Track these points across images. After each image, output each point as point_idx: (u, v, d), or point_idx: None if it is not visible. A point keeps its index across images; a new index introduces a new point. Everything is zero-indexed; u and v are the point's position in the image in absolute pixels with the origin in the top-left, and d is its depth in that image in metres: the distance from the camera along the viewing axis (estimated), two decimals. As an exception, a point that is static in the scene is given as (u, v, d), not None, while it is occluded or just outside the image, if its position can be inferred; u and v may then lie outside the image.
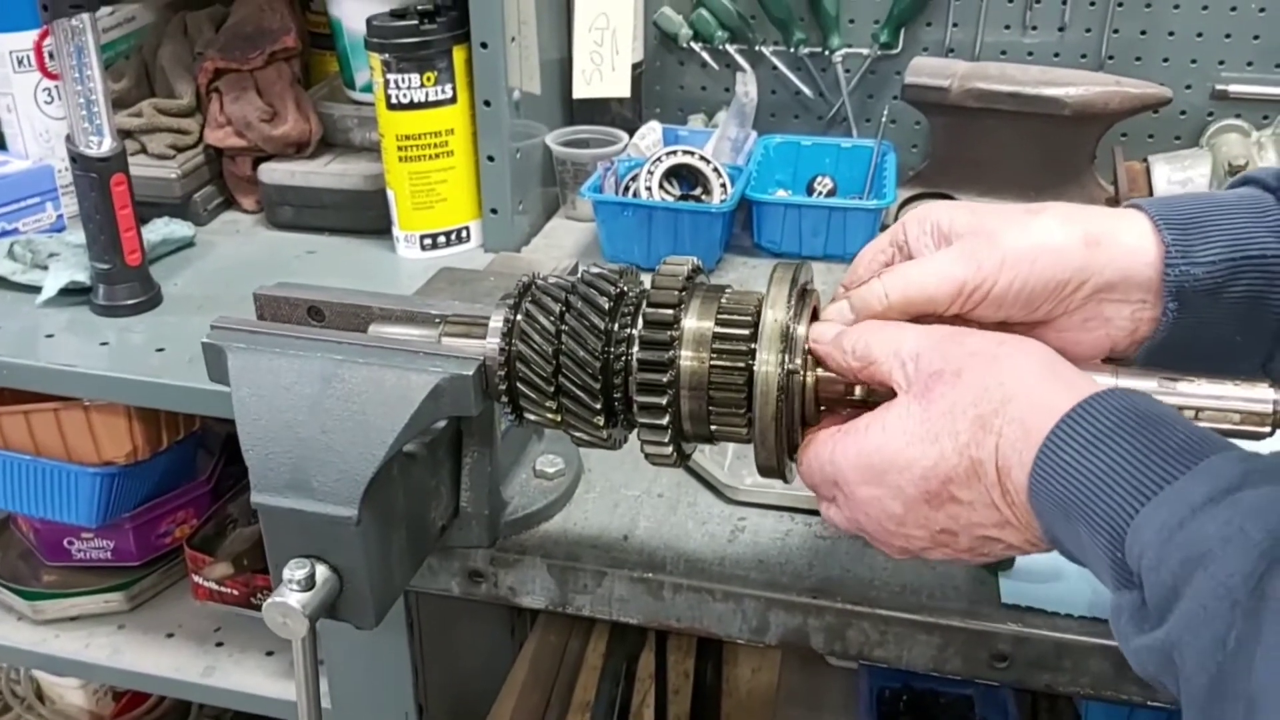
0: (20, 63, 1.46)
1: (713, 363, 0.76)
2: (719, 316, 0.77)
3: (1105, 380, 0.73)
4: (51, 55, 1.42)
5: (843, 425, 0.73)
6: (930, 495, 0.68)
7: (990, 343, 0.70)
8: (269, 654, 1.45)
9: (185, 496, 1.52)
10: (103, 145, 1.25)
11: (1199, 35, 1.57)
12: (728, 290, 0.80)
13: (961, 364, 0.68)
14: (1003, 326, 0.78)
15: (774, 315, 0.74)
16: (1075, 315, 0.77)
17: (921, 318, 0.76)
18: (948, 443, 0.67)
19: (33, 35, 1.44)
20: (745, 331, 0.76)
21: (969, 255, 0.75)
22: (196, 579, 1.48)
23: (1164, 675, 0.56)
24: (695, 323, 0.77)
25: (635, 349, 0.77)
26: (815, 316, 0.79)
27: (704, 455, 1.05)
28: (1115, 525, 0.59)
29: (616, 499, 1.03)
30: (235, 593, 1.46)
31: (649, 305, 0.78)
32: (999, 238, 0.75)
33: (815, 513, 0.99)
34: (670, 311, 0.77)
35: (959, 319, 0.77)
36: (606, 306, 0.78)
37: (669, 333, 0.76)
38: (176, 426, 1.42)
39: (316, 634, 0.79)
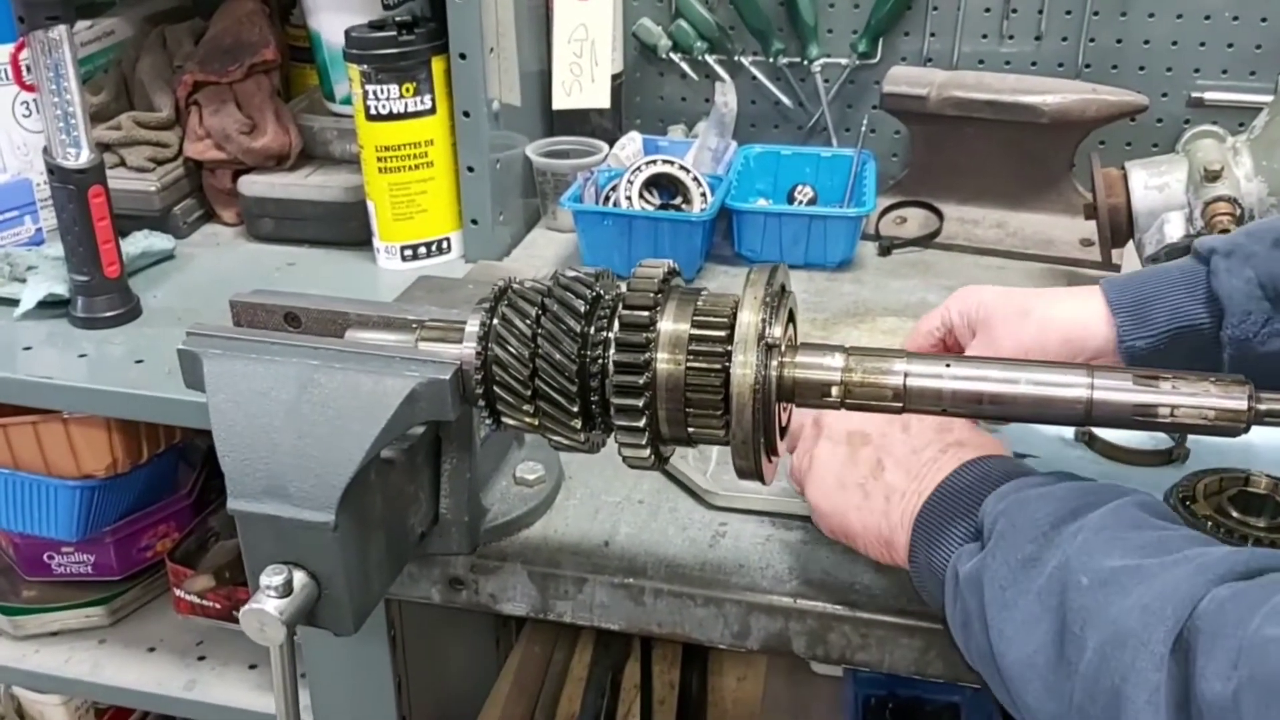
0: (-3, 76, 1.46)
1: (689, 365, 0.76)
2: (695, 319, 0.77)
3: (1079, 379, 0.73)
4: (28, 68, 1.42)
5: None
6: (890, 420, 0.87)
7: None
8: (252, 667, 1.45)
9: (166, 510, 1.52)
10: (80, 157, 1.25)
11: (1174, 44, 1.58)
12: (703, 293, 0.80)
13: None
14: None
15: (749, 317, 0.74)
16: None
17: None
18: (933, 420, 0.86)
19: (9, 48, 1.43)
20: (721, 334, 0.76)
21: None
22: (178, 593, 1.47)
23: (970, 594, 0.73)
24: (671, 325, 0.77)
25: (611, 351, 0.77)
26: (792, 318, 0.79)
27: (685, 461, 1.05)
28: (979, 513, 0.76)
29: (597, 505, 1.03)
30: (217, 606, 1.45)
31: (625, 308, 0.77)
32: (996, 341, 0.96)
33: (796, 517, 1.00)
34: (646, 314, 0.77)
35: None
36: (582, 310, 0.78)
37: (645, 335, 0.76)
38: (157, 439, 1.42)
39: (295, 641, 0.79)
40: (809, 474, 0.90)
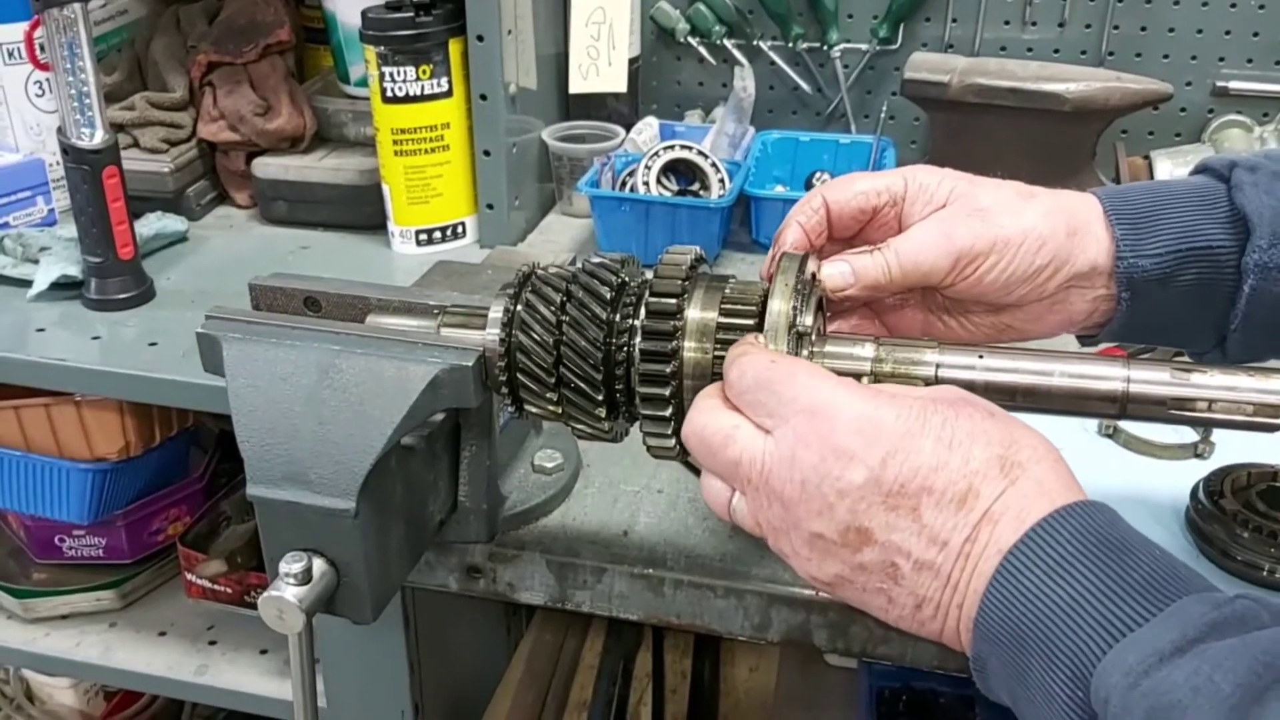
0: (10, 55, 1.44)
1: (716, 353, 0.75)
2: (723, 307, 0.76)
3: (1115, 371, 0.72)
4: (42, 47, 1.40)
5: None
6: (896, 492, 0.62)
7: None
8: (263, 652, 1.44)
9: (178, 494, 1.51)
10: (95, 137, 1.24)
11: (1199, 32, 1.56)
12: (731, 280, 0.78)
13: (994, 409, 0.66)
14: (964, 307, 0.84)
15: (780, 306, 0.73)
16: (1045, 300, 0.81)
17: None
18: (958, 457, 0.62)
19: (23, 27, 1.42)
20: (749, 322, 0.74)
21: (964, 232, 0.78)
22: (189, 577, 1.46)
23: None
24: (698, 313, 0.76)
25: (638, 339, 0.76)
26: (821, 307, 0.78)
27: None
28: (1078, 664, 0.56)
29: (616, 494, 1.02)
30: (229, 590, 1.45)
31: (651, 295, 0.76)
32: (992, 218, 0.79)
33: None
34: (673, 301, 0.75)
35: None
36: (608, 296, 0.77)
37: (672, 323, 0.75)
38: (169, 422, 1.41)
39: (313, 629, 0.78)
40: (785, 557, 0.69)
